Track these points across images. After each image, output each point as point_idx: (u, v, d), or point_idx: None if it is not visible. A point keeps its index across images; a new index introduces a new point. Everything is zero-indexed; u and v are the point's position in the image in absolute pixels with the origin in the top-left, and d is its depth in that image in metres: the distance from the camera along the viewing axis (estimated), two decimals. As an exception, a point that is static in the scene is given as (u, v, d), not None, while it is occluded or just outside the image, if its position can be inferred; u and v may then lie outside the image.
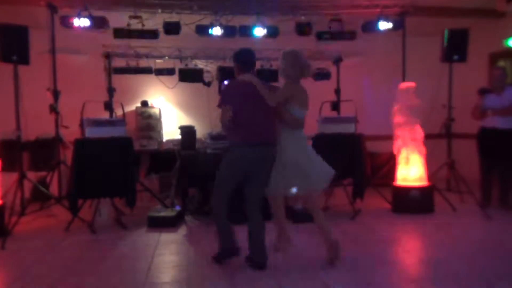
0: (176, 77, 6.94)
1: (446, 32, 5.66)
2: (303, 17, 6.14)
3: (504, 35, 6.65)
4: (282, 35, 6.12)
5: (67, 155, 5.58)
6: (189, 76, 6.97)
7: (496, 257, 3.70)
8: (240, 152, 3.45)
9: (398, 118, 5.44)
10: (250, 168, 3.44)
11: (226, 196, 3.48)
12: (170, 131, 7.40)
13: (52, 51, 5.48)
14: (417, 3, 6.14)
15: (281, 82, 3.64)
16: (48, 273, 3.48)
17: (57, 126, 5.48)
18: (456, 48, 5.63)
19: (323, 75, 7.07)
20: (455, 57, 5.66)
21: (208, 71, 7.11)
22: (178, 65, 6.94)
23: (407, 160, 5.42)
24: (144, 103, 7.50)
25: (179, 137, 5.74)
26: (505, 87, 5.37)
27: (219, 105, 3.49)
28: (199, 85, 7.04)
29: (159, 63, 6.95)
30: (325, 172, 3.50)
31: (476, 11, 6.70)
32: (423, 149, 5.44)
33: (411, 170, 5.42)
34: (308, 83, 3.61)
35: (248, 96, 3.44)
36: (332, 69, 7.14)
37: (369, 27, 6.18)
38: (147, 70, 6.84)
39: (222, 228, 3.55)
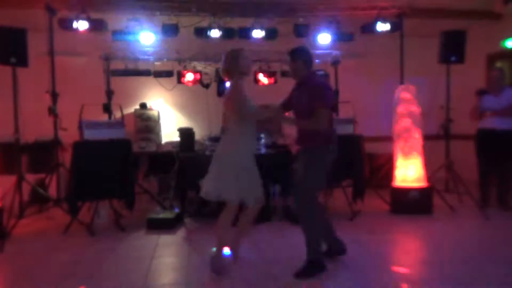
0: (174, 79, 6.94)
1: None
2: (301, 19, 6.16)
3: (502, 36, 6.69)
4: (280, 37, 6.13)
5: (66, 157, 5.58)
6: (188, 78, 6.97)
7: (495, 258, 3.70)
8: (331, 152, 3.44)
9: (398, 126, 5.48)
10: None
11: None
12: (169, 133, 7.39)
13: (51, 54, 5.48)
14: (415, 4, 6.16)
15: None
16: (47, 275, 3.48)
17: (55, 128, 5.47)
18: (453, 49, 5.65)
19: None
20: (453, 58, 5.68)
21: (206, 73, 7.12)
22: (176, 67, 6.95)
23: (406, 160, 5.45)
24: (143, 105, 7.50)
25: (178, 139, 5.74)
26: (503, 88, 5.39)
27: (325, 107, 3.34)
28: (197, 87, 7.04)
29: (157, 65, 6.95)
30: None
31: (473, 12, 6.73)
32: (421, 153, 5.47)
33: (409, 171, 5.44)
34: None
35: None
36: (330, 71, 7.15)
37: (367, 28, 6.20)
38: (145, 72, 6.84)
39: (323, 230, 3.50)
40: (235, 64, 3.46)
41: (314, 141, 3.42)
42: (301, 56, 3.48)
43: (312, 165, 3.40)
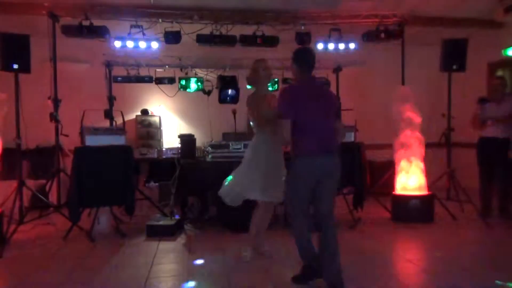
0: (176, 85, 6.96)
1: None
2: (303, 27, 6.18)
3: (503, 45, 6.69)
4: (282, 44, 6.15)
5: (67, 163, 5.59)
6: (189, 85, 6.99)
7: (496, 266, 3.68)
8: (306, 164, 3.15)
9: (399, 134, 5.49)
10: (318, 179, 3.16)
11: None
12: (170, 140, 7.41)
13: (53, 60, 5.50)
14: (416, 13, 6.19)
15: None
16: (46, 281, 3.46)
17: (57, 134, 5.48)
18: (455, 57, 5.66)
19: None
20: (454, 66, 5.68)
21: (208, 80, 7.14)
22: (178, 74, 6.97)
23: (407, 168, 5.44)
24: (144, 112, 7.53)
25: (179, 145, 5.75)
26: (505, 97, 5.40)
27: (281, 116, 3.16)
28: (199, 94, 7.06)
29: (159, 72, 6.98)
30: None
31: (474, 21, 6.75)
32: (422, 161, 5.47)
33: (410, 179, 5.43)
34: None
35: (314, 99, 3.18)
36: (332, 78, 7.16)
37: (369, 36, 6.22)
38: (147, 79, 6.87)
39: (303, 245, 3.28)
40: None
41: (291, 151, 3.28)
42: (294, 60, 3.46)
43: (287, 176, 3.39)
